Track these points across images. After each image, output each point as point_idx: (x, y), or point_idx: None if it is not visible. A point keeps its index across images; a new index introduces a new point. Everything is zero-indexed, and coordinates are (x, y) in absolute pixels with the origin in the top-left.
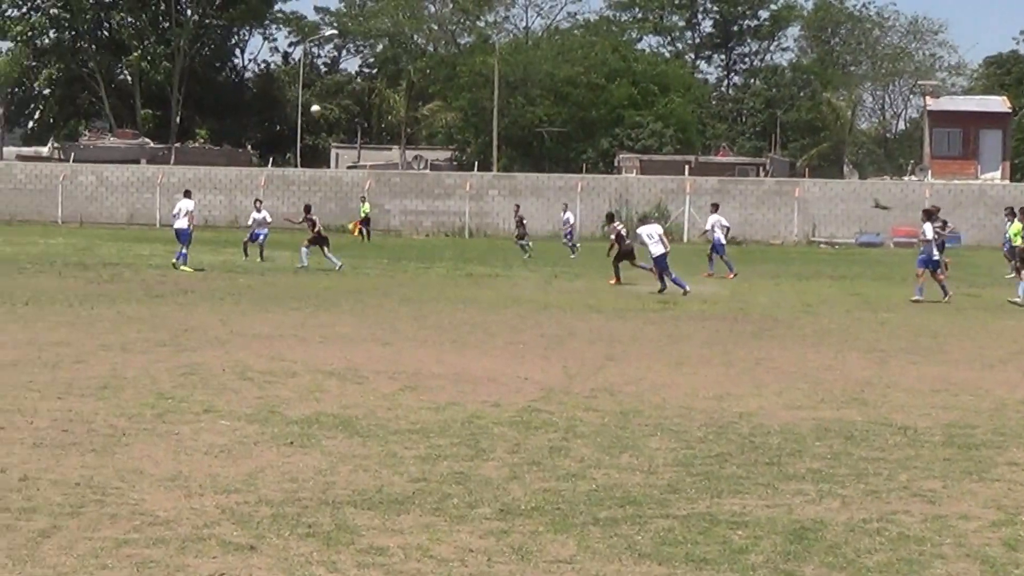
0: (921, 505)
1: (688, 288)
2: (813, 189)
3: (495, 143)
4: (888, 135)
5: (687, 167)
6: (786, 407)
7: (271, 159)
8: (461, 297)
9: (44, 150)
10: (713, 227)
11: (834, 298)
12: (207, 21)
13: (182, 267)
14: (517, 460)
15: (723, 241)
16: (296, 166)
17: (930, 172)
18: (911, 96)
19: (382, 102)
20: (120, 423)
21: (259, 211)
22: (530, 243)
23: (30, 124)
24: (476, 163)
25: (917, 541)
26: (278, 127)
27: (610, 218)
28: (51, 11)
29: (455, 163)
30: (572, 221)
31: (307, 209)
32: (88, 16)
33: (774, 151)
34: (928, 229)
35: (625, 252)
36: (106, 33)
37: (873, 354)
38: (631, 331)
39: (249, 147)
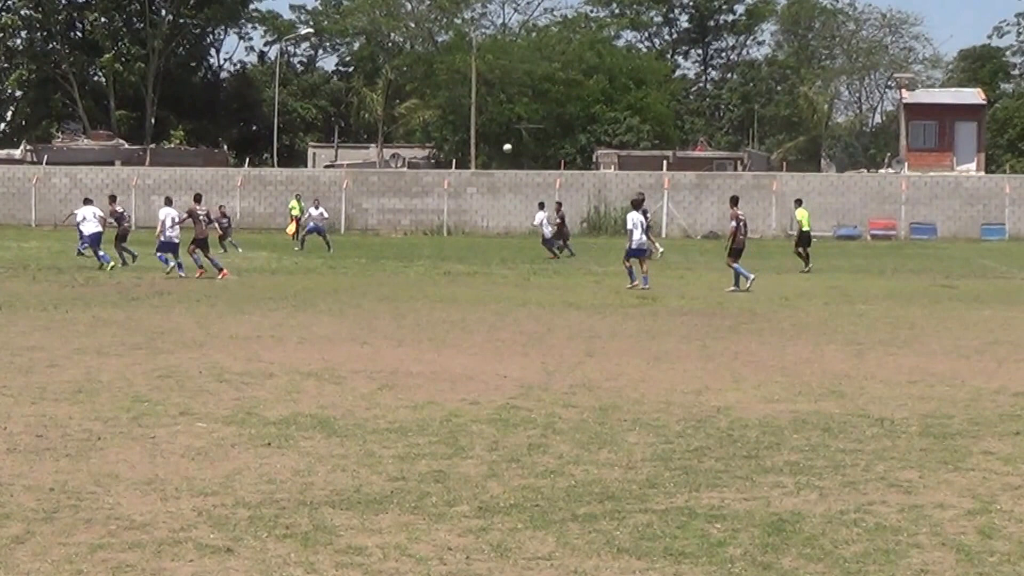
0: (898, 495)
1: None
2: (791, 183)
3: (473, 140)
4: (865, 128)
5: (665, 162)
6: (764, 400)
7: (247, 159)
8: (439, 295)
9: (16, 152)
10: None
11: (812, 291)
12: (181, 21)
13: (108, 267)
14: (495, 457)
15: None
16: (273, 166)
17: (906, 164)
18: (887, 89)
19: (359, 101)
20: (95, 427)
21: (316, 208)
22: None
23: (1, 126)
24: (454, 161)
25: (894, 531)
26: (254, 127)
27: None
28: (22, 11)
29: (433, 161)
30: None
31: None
32: (60, 17)
33: (752, 145)
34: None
35: None
36: (79, 34)
37: (851, 346)
38: (609, 327)
39: (225, 147)
